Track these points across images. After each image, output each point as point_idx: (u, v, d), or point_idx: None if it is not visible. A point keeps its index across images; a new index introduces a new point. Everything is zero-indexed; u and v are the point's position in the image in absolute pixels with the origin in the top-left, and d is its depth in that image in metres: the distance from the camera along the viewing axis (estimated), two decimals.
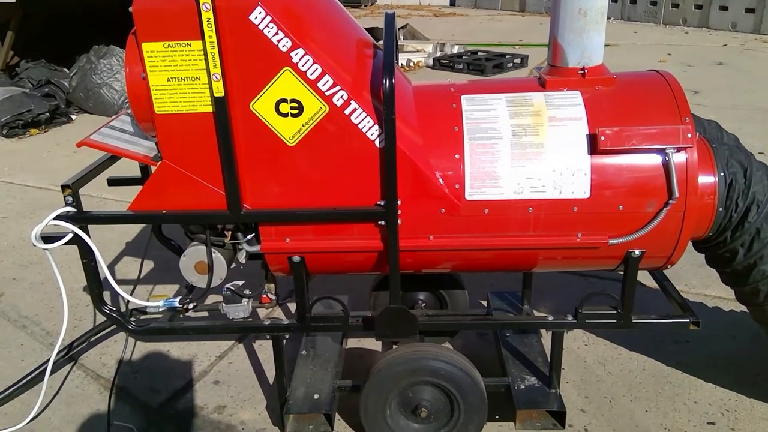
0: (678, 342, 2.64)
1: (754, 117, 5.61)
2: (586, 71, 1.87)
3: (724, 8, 10.05)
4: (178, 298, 2.00)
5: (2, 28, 6.48)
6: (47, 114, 5.86)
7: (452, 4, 14.91)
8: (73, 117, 6.20)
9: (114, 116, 2.10)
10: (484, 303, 2.82)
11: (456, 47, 8.74)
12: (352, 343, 2.68)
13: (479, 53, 8.32)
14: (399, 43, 8.92)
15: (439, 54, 8.46)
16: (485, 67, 7.61)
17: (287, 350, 2.62)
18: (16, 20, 6.42)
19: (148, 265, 3.32)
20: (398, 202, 1.79)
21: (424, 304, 2.60)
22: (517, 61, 7.93)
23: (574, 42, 1.85)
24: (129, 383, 2.50)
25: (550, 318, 2.05)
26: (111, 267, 3.39)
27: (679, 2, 10.65)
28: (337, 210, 1.83)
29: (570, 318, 2.00)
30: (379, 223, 1.83)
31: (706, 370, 2.47)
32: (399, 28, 9.52)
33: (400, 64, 7.81)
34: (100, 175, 2.04)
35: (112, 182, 2.41)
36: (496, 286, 2.83)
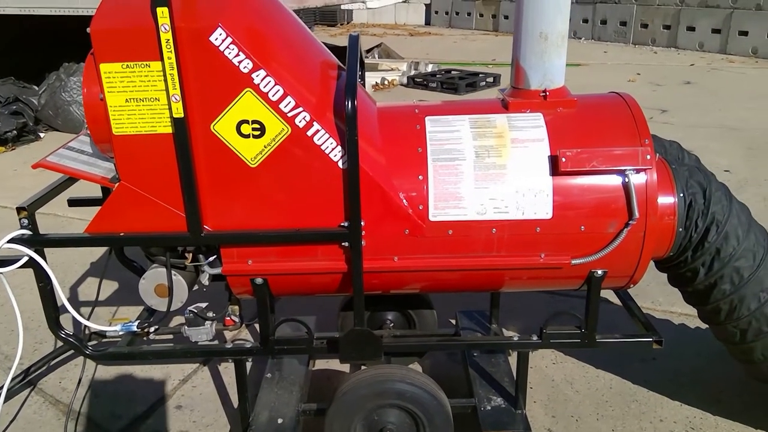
0: (644, 360, 2.65)
1: (721, 135, 5.74)
2: (547, 93, 1.89)
3: (692, 29, 10.30)
4: (136, 323, 1.96)
5: None
6: (14, 132, 5.76)
7: (428, 23, 15.09)
8: (42, 135, 6.11)
9: (73, 137, 2.06)
10: (454, 321, 2.82)
11: (430, 66, 8.83)
12: (321, 364, 2.65)
13: (453, 72, 8.41)
14: (372, 62, 8.99)
15: (413, 72, 8.53)
16: (458, 85, 7.69)
17: (254, 372, 2.59)
18: None
19: (113, 286, 3.26)
20: (362, 223, 1.78)
21: (392, 324, 2.58)
22: (490, 80, 8.02)
23: (536, 65, 1.87)
24: (89, 408, 2.43)
25: (515, 338, 2.05)
26: (75, 287, 3.31)
27: (648, 23, 10.90)
28: (299, 231, 1.81)
29: (535, 338, 2.00)
30: (343, 244, 1.82)
31: (671, 387, 2.48)
32: (374, 47, 9.62)
33: (376, 82, 7.89)
34: (63, 194, 2.00)
35: (73, 203, 2.36)
36: (465, 305, 2.82)
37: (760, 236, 1.93)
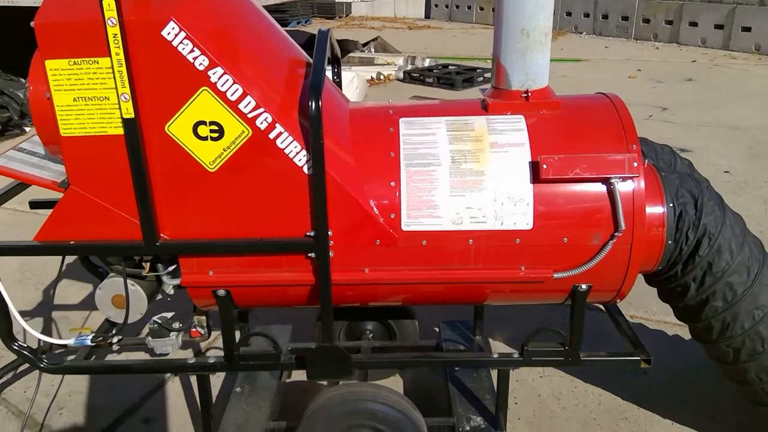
0: (636, 374, 2.53)
1: (721, 134, 5.59)
2: (530, 94, 1.76)
3: (694, 24, 10.13)
4: (90, 336, 1.85)
5: None
6: None
7: (427, 16, 14.91)
8: (27, 129, 5.98)
9: (25, 137, 1.94)
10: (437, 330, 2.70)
11: (427, 60, 8.68)
12: (297, 374, 2.53)
13: (450, 67, 8.25)
14: (368, 56, 8.84)
15: (409, 67, 8.39)
16: (455, 80, 7.54)
17: (228, 382, 2.48)
18: None
19: (85, 291, 3.15)
20: (329, 232, 1.66)
21: (371, 335, 2.47)
22: (488, 75, 7.87)
23: (517, 63, 1.74)
24: (53, 421, 2.33)
25: (495, 355, 1.93)
26: (49, 290, 3.20)
27: (650, 18, 10.73)
28: (262, 241, 1.69)
29: (516, 355, 1.89)
30: (309, 255, 1.70)
31: (664, 404, 2.36)
32: (370, 41, 9.46)
33: (371, 77, 7.75)
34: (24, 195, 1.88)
35: (35, 205, 2.25)
36: (449, 314, 2.70)
37: (755, 249, 1.80)
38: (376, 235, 1.71)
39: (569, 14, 11.93)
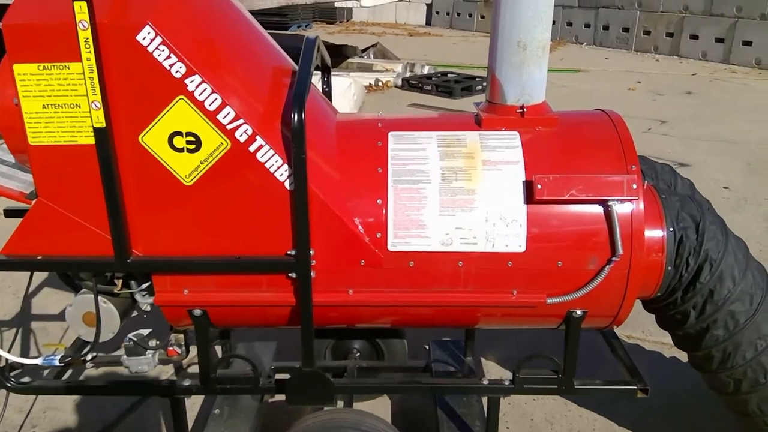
0: (632, 399, 2.44)
1: (721, 149, 5.52)
2: (525, 110, 1.68)
3: (695, 37, 10.08)
4: (59, 356, 1.75)
5: None
6: None
7: (428, 23, 14.86)
8: None
9: None
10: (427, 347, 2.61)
11: (426, 68, 8.62)
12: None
13: (449, 75, 8.19)
14: (367, 62, 8.77)
15: (408, 74, 8.31)
16: (454, 89, 7.47)
17: (208, 402, 2.38)
18: None
19: (67, 301, 3.05)
20: (311, 252, 1.58)
21: (358, 354, 2.38)
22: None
23: (513, 77, 1.66)
24: None
25: (485, 382, 1.84)
26: (26, 301, 3.11)
27: (651, 30, 10.68)
28: (240, 260, 1.60)
29: (507, 382, 1.80)
30: (290, 275, 1.62)
31: (660, 429, 2.28)
32: (369, 47, 9.39)
33: (369, 84, 7.68)
34: None
35: (9, 213, 2.15)
36: (439, 333, 2.61)
37: (758, 276, 1.72)
38: (361, 255, 1.62)
39: (570, 24, 11.89)
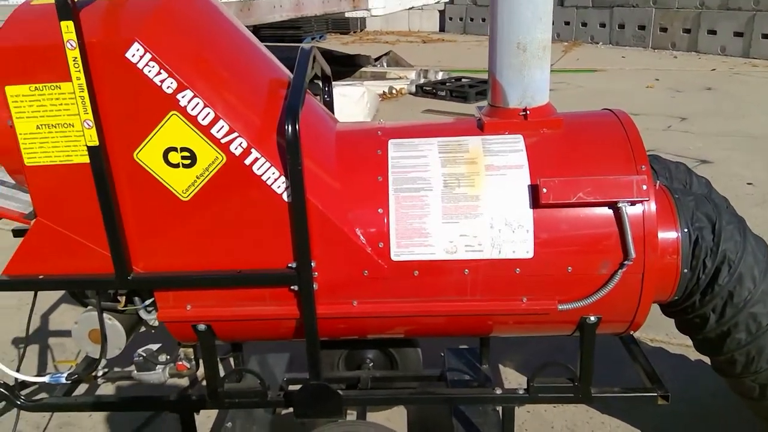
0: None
1: (743, 144, 5.39)
2: (528, 112, 1.63)
3: (713, 32, 9.90)
4: (65, 374, 1.75)
5: None
6: None
7: (442, 30, 14.82)
8: None
9: None
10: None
11: (440, 74, 8.57)
12: None
13: (463, 80, 8.13)
14: (380, 70, 8.76)
15: (422, 81, 8.28)
16: (468, 93, 7.42)
17: (222, 413, 2.35)
18: None
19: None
20: (312, 263, 1.54)
21: (372, 364, 2.34)
22: None
23: (514, 80, 1.61)
24: None
25: (499, 391, 1.78)
26: (44, 318, 3.12)
27: (668, 26, 10.52)
28: (241, 274, 1.58)
29: (521, 391, 1.74)
30: (292, 288, 1.58)
31: None
32: (382, 55, 9.38)
33: (383, 91, 7.66)
34: None
35: (18, 233, 2.16)
36: (454, 340, 2.55)
37: None
38: (364, 266, 1.58)
39: (585, 24, 11.76)
